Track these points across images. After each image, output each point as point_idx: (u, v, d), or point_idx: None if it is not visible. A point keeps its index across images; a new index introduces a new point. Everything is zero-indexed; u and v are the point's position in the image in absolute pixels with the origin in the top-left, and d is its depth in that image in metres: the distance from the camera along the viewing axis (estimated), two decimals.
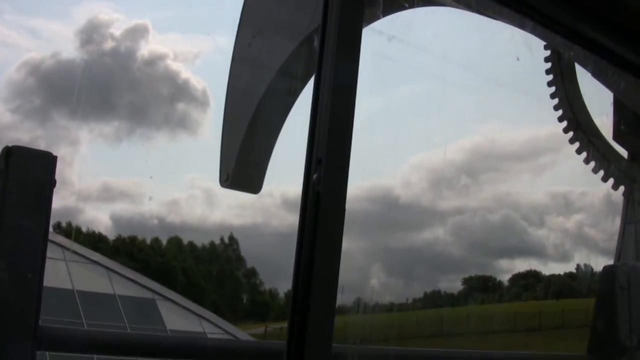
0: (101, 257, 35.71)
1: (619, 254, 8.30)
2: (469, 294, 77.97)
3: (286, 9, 5.97)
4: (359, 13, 2.41)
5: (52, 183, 2.79)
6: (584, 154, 8.55)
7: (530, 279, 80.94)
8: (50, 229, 2.84)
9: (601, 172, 8.40)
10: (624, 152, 8.30)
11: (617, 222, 8.58)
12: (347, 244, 2.29)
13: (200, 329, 33.87)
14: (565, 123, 8.64)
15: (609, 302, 4.68)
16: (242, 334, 38.11)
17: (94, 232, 72.32)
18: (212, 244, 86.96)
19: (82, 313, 29.41)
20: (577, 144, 8.58)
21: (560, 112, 8.65)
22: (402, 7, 5.35)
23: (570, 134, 8.61)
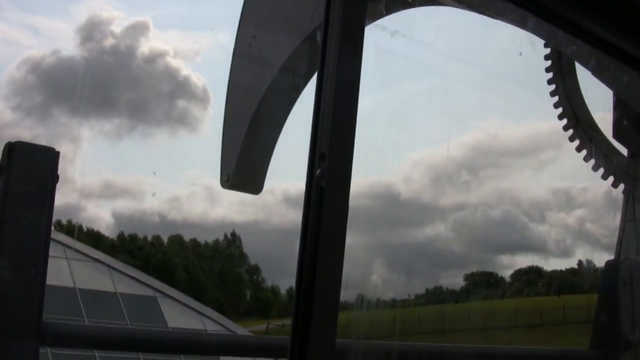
0: (103, 255, 35.74)
1: (619, 252, 8.31)
2: (470, 290, 77.99)
3: (288, 6, 5.96)
4: (362, 8, 2.41)
5: (55, 178, 2.79)
6: (584, 152, 8.56)
7: (532, 274, 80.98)
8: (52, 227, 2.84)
9: (601, 170, 8.40)
10: (623, 150, 8.31)
11: (618, 217, 8.60)
12: (348, 240, 2.28)
13: (202, 326, 33.90)
14: (565, 121, 8.64)
15: (612, 297, 4.67)
16: (243, 331, 38.11)
17: (92, 231, 72.29)
18: (214, 241, 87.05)
19: (83, 311, 29.44)
20: (577, 142, 8.58)
21: (560, 109, 8.65)
22: (405, 6, 5.35)
23: (570, 131, 8.61)
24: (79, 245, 34.44)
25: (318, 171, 2.22)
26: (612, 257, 8.51)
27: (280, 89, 6.02)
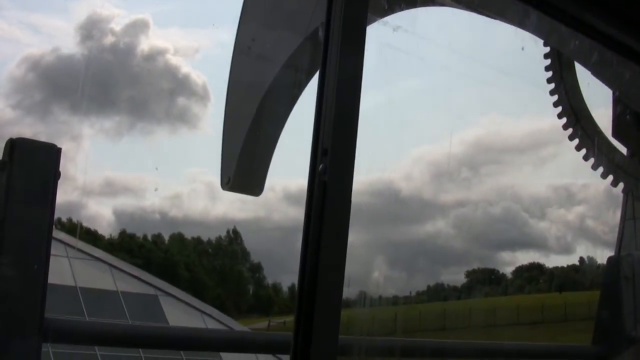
0: (104, 254, 35.77)
1: (619, 250, 8.32)
2: (471, 286, 78.05)
3: (290, 2, 5.95)
4: (364, 4, 2.41)
5: (57, 175, 2.78)
6: (584, 151, 8.56)
7: (533, 271, 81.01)
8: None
9: (600, 169, 8.41)
10: (623, 149, 8.31)
11: (619, 214, 8.61)
12: (349, 237, 2.28)
13: (203, 324, 33.93)
14: (564, 119, 8.64)
15: (614, 293, 4.67)
16: (245, 329, 38.13)
17: (90, 230, 72.28)
18: (214, 238, 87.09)
19: (84, 310, 29.48)
20: (576, 141, 8.58)
21: (559, 108, 8.65)
22: (408, 5, 5.34)
23: (570, 130, 8.61)
24: (80, 244, 34.44)
25: (320, 166, 2.22)
26: (612, 254, 8.53)
27: (281, 88, 6.00)
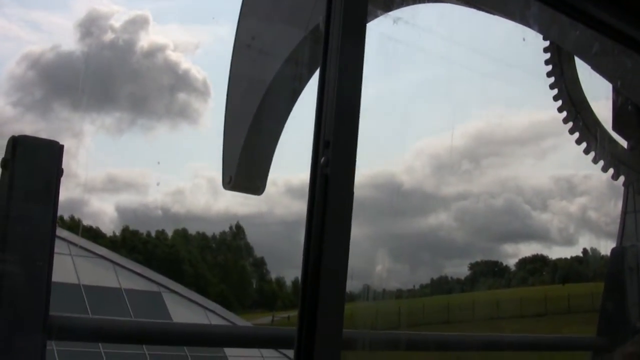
0: (107, 251, 35.78)
1: (620, 243, 8.33)
2: (475, 279, 78.07)
3: None
4: None
5: (60, 172, 2.78)
6: (584, 144, 8.56)
7: (537, 263, 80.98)
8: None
9: (601, 162, 8.42)
10: (623, 142, 8.32)
11: (621, 205, 8.63)
12: (352, 230, 2.28)
13: (206, 320, 33.94)
14: (565, 113, 8.65)
15: (618, 284, 4.67)
16: (247, 324, 38.18)
17: (91, 227, 72.23)
18: (217, 233, 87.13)
19: (88, 307, 29.50)
20: (576, 134, 8.59)
21: (559, 102, 8.65)
22: (404, 3, 5.32)
23: (570, 124, 8.61)
24: (83, 241, 34.44)
25: (322, 159, 2.21)
26: (614, 245, 8.55)
27: (283, 83, 5.99)
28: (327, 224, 2.16)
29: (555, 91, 8.65)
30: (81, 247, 32.65)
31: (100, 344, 24.06)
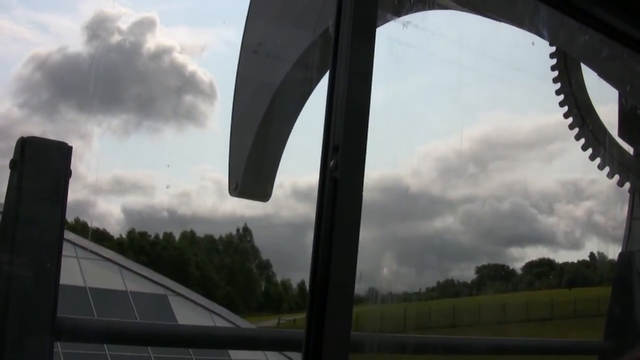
0: (113, 254, 35.84)
1: (626, 248, 8.33)
2: (481, 282, 77.98)
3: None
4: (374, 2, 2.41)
5: (68, 173, 2.78)
6: (590, 151, 8.55)
7: (543, 267, 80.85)
8: None
9: (607, 169, 8.40)
10: (630, 149, 8.30)
11: (626, 210, 8.63)
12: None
13: (212, 324, 33.96)
14: (570, 119, 8.63)
15: (626, 289, 4.66)
16: (253, 327, 38.15)
17: (98, 229, 72.21)
18: (224, 235, 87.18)
19: (94, 310, 29.54)
20: (582, 141, 8.57)
21: (565, 108, 8.64)
22: (410, 10, 5.30)
23: (576, 130, 8.60)
24: (88, 243, 34.47)
25: (332, 163, 2.22)
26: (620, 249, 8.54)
27: (290, 88, 5.98)
28: (335, 227, 2.16)
29: (562, 97, 8.64)
30: (87, 250, 32.68)
31: (105, 346, 24.10)
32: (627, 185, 8.31)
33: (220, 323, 34.57)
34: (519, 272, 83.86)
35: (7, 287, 2.58)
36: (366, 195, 2.27)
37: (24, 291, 2.60)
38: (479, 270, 79.60)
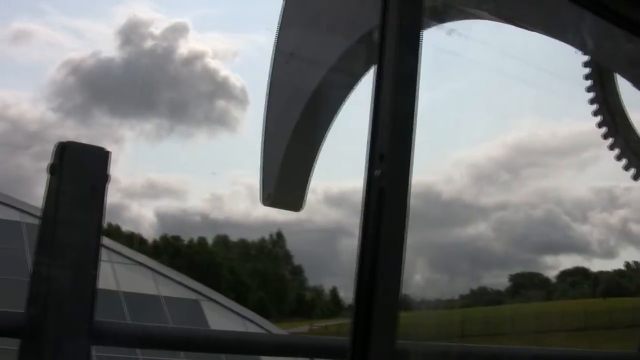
0: (146, 259, 36.02)
1: None
2: (514, 291, 77.53)
3: (334, 4, 5.91)
4: (419, 2, 2.39)
5: (106, 178, 2.79)
6: (624, 161, 8.46)
7: (578, 275, 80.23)
8: None
9: None
10: None
11: None
12: None
13: (244, 329, 34.02)
14: (604, 129, 8.55)
15: None
16: (285, 334, 38.15)
17: (132, 233, 72.62)
18: (256, 240, 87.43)
19: (127, 314, 29.69)
20: (616, 151, 8.48)
21: (599, 117, 8.55)
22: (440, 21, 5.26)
23: (610, 140, 8.51)
24: (122, 248, 34.69)
25: (377, 172, 2.21)
26: None
27: (324, 96, 5.95)
28: (381, 238, 2.15)
29: (595, 106, 8.56)
30: (120, 254, 32.92)
31: (138, 350, 24.24)
32: None
33: (252, 329, 34.62)
34: (553, 280, 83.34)
35: (46, 290, 2.59)
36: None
37: (62, 294, 2.61)
38: (512, 278, 79.19)
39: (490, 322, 58.00)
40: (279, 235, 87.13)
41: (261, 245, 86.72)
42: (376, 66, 2.30)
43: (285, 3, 6.13)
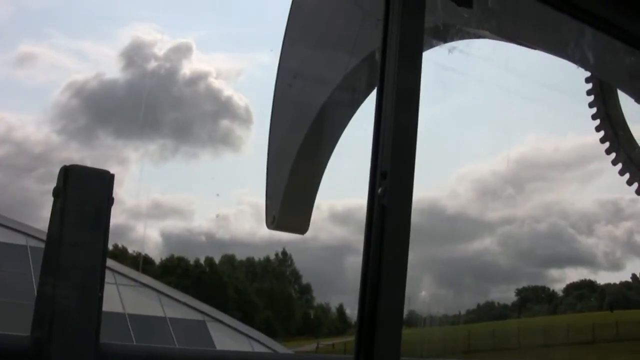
0: (151, 280, 36.05)
1: None
2: (521, 305, 77.37)
3: (336, 24, 5.92)
4: (419, 25, 2.41)
5: (110, 201, 2.80)
6: (627, 175, 8.48)
7: (584, 288, 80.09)
8: None
9: None
10: None
11: None
12: None
13: (250, 349, 33.98)
14: (607, 144, 8.56)
15: None
16: (291, 352, 38.08)
17: (139, 254, 72.62)
18: (262, 258, 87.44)
19: (133, 336, 29.68)
20: (619, 166, 8.50)
21: (602, 133, 8.57)
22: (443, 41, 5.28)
23: (613, 155, 8.53)
24: (127, 270, 34.68)
25: (380, 190, 2.22)
26: None
27: (328, 116, 5.95)
28: (384, 255, 2.16)
29: (598, 122, 8.58)
30: (125, 276, 32.93)
31: None
32: None
33: (258, 349, 34.57)
34: (559, 293, 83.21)
35: (51, 312, 2.60)
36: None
37: (67, 316, 2.61)
38: (518, 292, 79.06)
39: (497, 336, 57.82)
40: (285, 253, 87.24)
41: (267, 264, 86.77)
42: (378, 85, 2.32)
43: (289, 23, 6.16)
